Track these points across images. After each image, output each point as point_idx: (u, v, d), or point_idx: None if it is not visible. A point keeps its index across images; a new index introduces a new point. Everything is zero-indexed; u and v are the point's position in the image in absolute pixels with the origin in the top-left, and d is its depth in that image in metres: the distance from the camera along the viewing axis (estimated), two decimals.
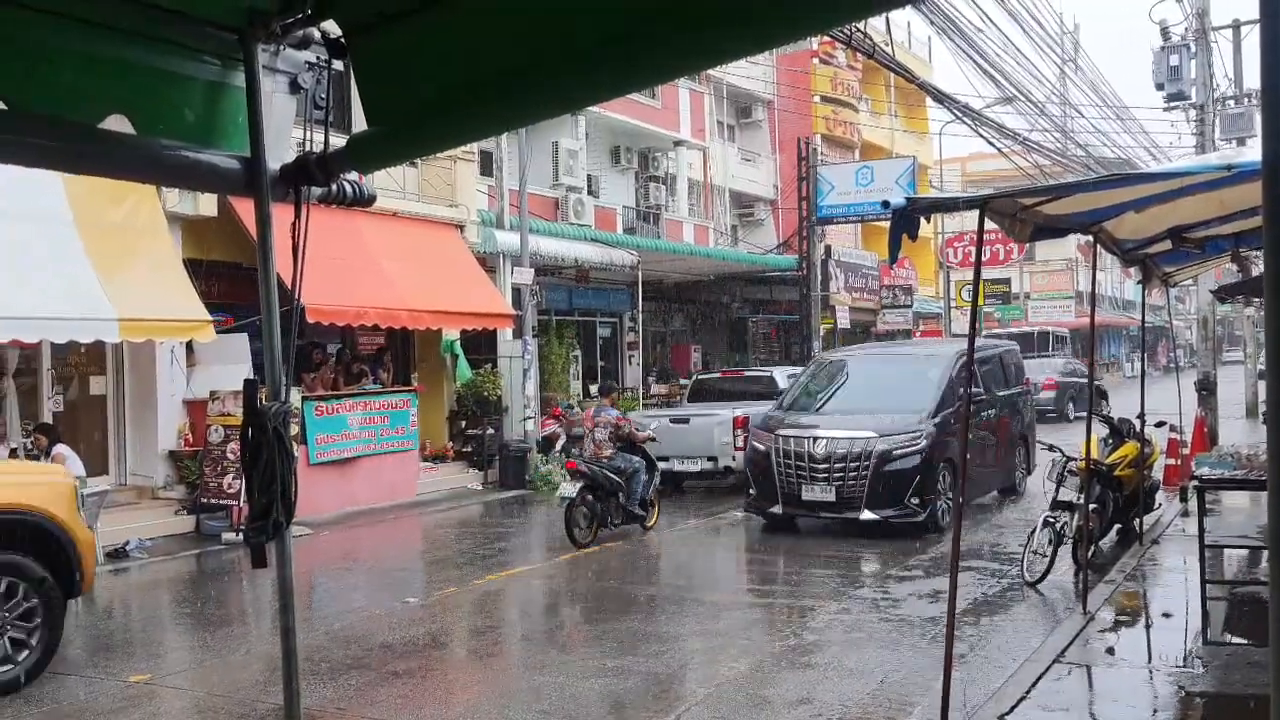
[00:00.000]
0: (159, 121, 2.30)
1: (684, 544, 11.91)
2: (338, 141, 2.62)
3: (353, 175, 2.63)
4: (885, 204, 4.59)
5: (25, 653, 6.72)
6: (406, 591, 9.56)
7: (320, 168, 2.49)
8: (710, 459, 15.12)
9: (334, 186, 2.57)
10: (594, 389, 25.39)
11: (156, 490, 13.41)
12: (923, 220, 5.00)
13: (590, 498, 11.39)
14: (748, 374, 18.63)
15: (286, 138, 2.57)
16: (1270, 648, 1.74)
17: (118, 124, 2.22)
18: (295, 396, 13.36)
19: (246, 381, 2.47)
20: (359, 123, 2.46)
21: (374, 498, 14.72)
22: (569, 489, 11.25)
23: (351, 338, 17.49)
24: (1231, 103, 19.55)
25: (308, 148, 2.50)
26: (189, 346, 13.51)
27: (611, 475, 11.54)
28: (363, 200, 2.73)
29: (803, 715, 5.89)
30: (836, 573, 9.70)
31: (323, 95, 2.53)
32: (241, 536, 11.50)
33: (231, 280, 14.33)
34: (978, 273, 5.29)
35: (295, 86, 2.48)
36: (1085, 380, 20.53)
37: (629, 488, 11.70)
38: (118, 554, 11.23)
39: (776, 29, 1.94)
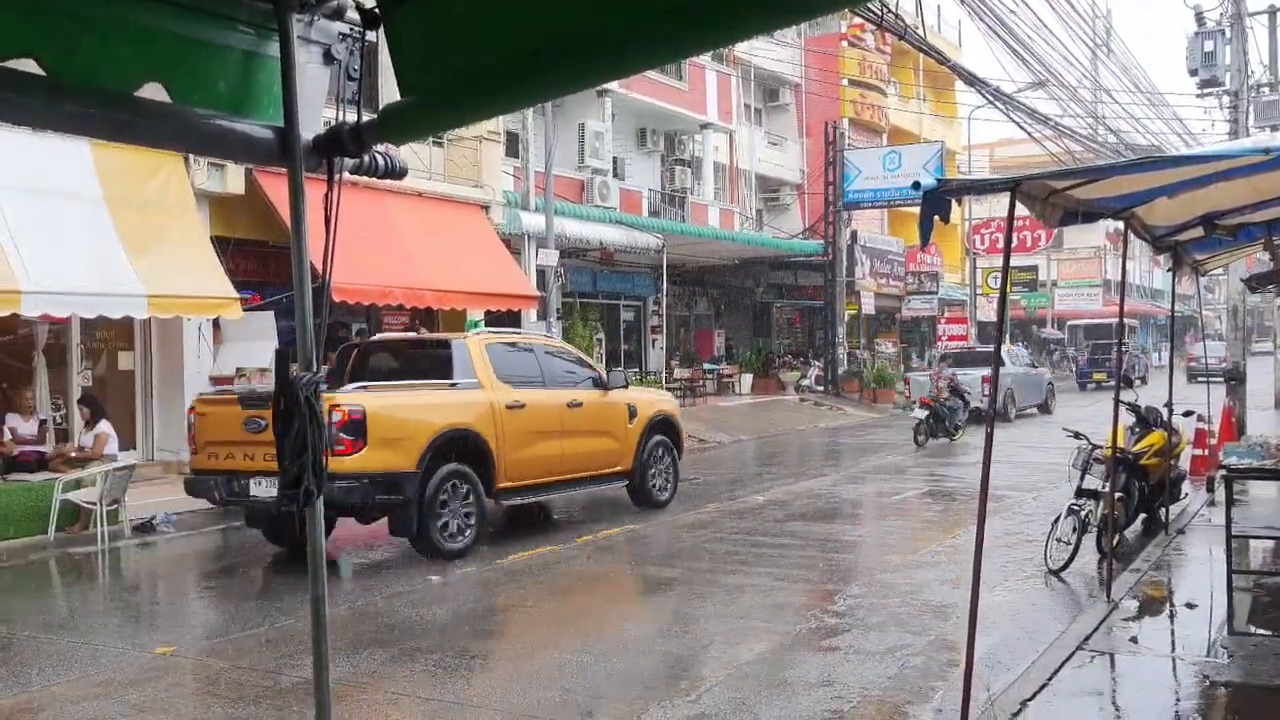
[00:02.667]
0: (194, 90, 2.31)
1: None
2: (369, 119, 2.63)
3: (383, 148, 2.64)
4: (916, 185, 4.55)
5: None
6: (429, 570, 9.61)
7: (353, 138, 2.50)
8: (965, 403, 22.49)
9: (366, 158, 2.58)
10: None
11: (183, 466, 13.53)
12: (954, 204, 4.96)
13: (931, 420, 19.58)
14: (978, 350, 27.81)
15: (319, 109, 2.58)
16: None
17: (153, 92, 2.24)
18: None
19: (278, 352, 2.48)
20: (388, 100, 2.48)
21: None
22: (920, 412, 19.81)
23: (376, 317, 17.56)
24: (1266, 90, 19.31)
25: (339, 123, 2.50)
26: (216, 323, 13.62)
27: (944, 408, 19.81)
28: (394, 173, 2.74)
29: (824, 697, 5.90)
30: None
31: (356, 67, 2.54)
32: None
33: (258, 258, 14.43)
34: (1007, 257, 5.25)
35: (329, 58, 2.48)
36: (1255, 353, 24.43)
37: (952, 416, 19.88)
38: (145, 528, 11.35)
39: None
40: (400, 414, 9.70)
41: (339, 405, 9.13)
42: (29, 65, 2.00)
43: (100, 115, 2.17)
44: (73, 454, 11.77)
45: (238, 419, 9.69)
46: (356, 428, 9.21)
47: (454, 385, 10.35)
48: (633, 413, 12.11)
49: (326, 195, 2.51)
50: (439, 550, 9.71)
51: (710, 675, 6.36)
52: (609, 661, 6.66)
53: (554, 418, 11.18)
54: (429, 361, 10.84)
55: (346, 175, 2.73)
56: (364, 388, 9.87)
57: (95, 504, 10.71)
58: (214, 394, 11.14)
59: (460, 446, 10.06)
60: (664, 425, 12.63)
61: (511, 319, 18.49)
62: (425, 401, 10.05)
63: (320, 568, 2.52)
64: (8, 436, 11.57)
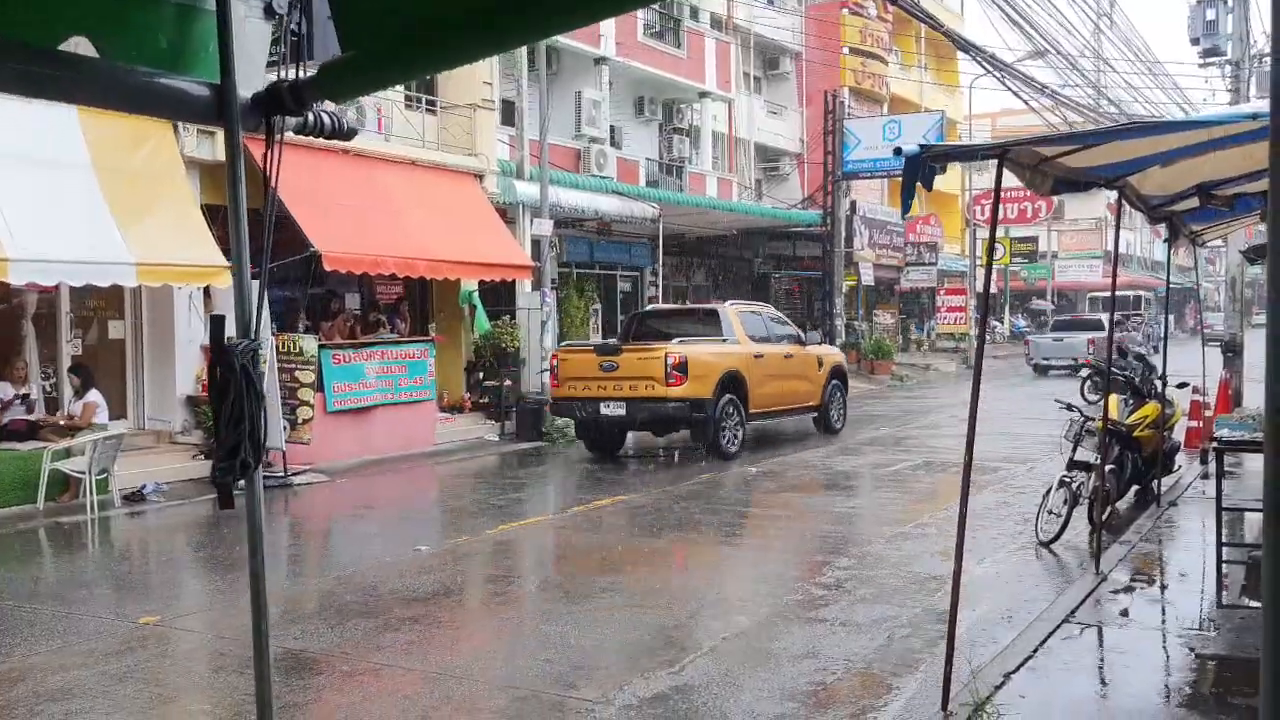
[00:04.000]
0: (124, 45, 2.20)
1: None
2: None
3: (331, 107, 2.54)
4: (898, 151, 4.45)
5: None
6: (419, 540, 9.59)
7: (293, 96, 2.40)
8: (1074, 359, 27.81)
9: (310, 118, 2.49)
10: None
11: (174, 435, 13.50)
12: (947, 173, 4.87)
13: (1096, 379, 19.21)
14: (1084, 318, 34.00)
15: (260, 66, 2.48)
16: (1264, 611, 1.66)
17: (79, 47, 2.14)
18: (312, 344, 13.37)
19: (213, 317, 2.40)
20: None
21: (390, 446, 14.76)
22: (1084, 371, 20.23)
23: (369, 287, 17.46)
24: (1268, 59, 19.09)
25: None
26: (206, 292, 13.52)
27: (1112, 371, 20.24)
28: (341, 133, 2.64)
29: (808, 669, 5.87)
30: None
31: (297, 21, 2.44)
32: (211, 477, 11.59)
33: (249, 226, 14.28)
34: (994, 226, 5.16)
35: (270, 12, 2.39)
36: (1255, 324, 26.48)
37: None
38: (134, 497, 11.32)
39: None
40: (704, 359, 14.07)
41: (671, 353, 13.80)
42: None
43: (20, 70, 2.07)
44: (62, 422, 11.71)
45: (594, 362, 14.30)
46: (682, 368, 13.67)
47: (724, 340, 14.69)
48: (820, 362, 16.32)
49: (265, 155, 2.42)
50: (723, 453, 13.99)
51: (695, 646, 6.33)
52: (594, 631, 6.62)
53: (778, 364, 15.39)
54: (701, 324, 15.19)
55: (330, 141, 2.64)
56: (682, 342, 14.24)
57: (84, 473, 10.66)
58: (570, 346, 16.20)
59: (732, 382, 14.29)
60: (838, 372, 16.90)
61: (506, 289, 18.38)
62: (714, 350, 14.39)
63: (258, 541, 2.45)
64: None
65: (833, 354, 17.45)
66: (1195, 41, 17.91)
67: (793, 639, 6.41)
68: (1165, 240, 9.89)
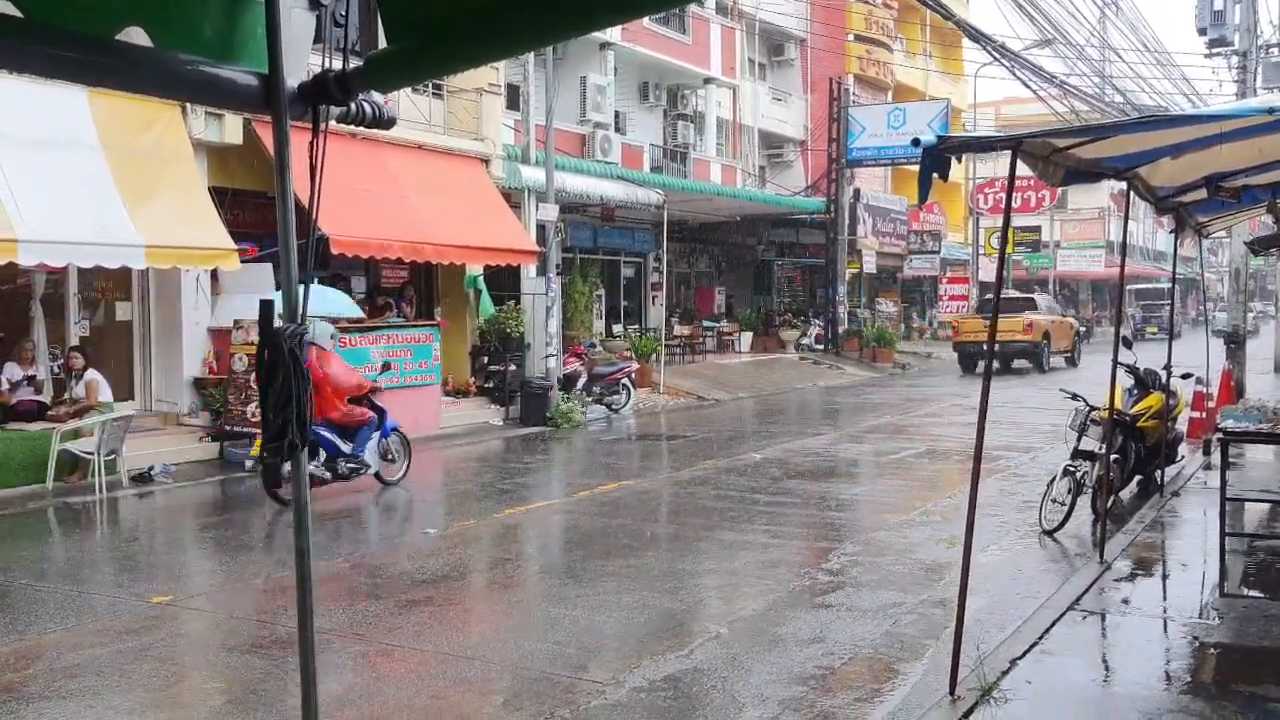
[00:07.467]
0: (177, 35, 2.25)
1: None
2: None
3: (377, 98, 2.58)
4: (916, 142, 4.49)
5: None
6: (426, 523, 9.66)
7: (339, 86, 2.44)
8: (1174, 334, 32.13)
9: (353, 107, 2.53)
10: (616, 329, 25.45)
11: (181, 417, 13.54)
12: (954, 162, 4.90)
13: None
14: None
15: (305, 56, 2.52)
16: None
17: (134, 36, 2.18)
18: (326, 327, 13.39)
19: (262, 302, 2.44)
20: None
21: None
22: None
23: (375, 270, 17.48)
24: (1275, 50, 19.08)
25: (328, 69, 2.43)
26: (214, 275, 13.56)
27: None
28: (383, 122, 2.68)
29: (815, 654, 5.94)
30: None
31: (343, 13, 2.48)
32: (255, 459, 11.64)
33: (256, 209, 14.31)
34: (1007, 217, 5.20)
35: (315, 3, 2.43)
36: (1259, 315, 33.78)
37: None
38: (142, 478, 11.37)
39: None
40: (1038, 321, 26.82)
41: (1025, 318, 26.34)
42: (5, 7, 1.95)
43: (80, 59, 2.11)
44: (69, 409, 11.74)
45: (982, 324, 25.35)
46: (1031, 326, 26.33)
47: (1040, 312, 27.34)
48: (1069, 325, 29.31)
49: (311, 144, 2.46)
50: (1043, 370, 26.65)
51: (703, 630, 6.40)
52: (602, 614, 6.69)
53: (1058, 325, 28.38)
54: (1025, 304, 27.46)
55: (340, 125, 2.67)
56: (1030, 313, 26.86)
57: (93, 454, 10.72)
58: (961, 316, 29.91)
59: (1046, 334, 27.06)
60: (1078, 333, 30.10)
61: (511, 274, 18.39)
62: (1039, 317, 26.99)
63: (305, 519, 2.50)
64: (5, 386, 11.56)
65: (1075, 323, 31.16)
66: (1202, 31, 17.87)
67: (800, 623, 6.47)
68: (1171, 231, 9.91)
